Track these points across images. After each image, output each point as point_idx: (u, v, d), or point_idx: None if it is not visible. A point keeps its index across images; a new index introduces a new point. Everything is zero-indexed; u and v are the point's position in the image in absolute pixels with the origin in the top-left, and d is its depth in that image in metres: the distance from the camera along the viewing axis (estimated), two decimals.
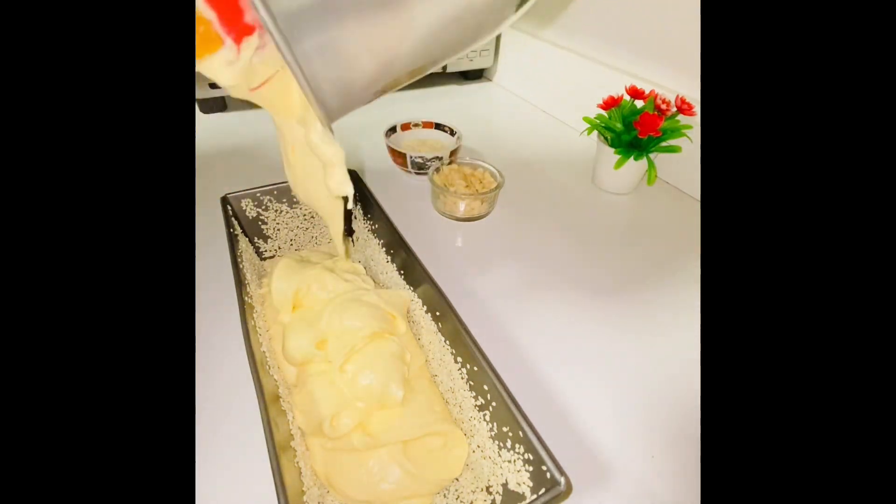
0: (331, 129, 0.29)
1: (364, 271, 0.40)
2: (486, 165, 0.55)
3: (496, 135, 0.73)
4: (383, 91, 0.27)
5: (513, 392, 0.27)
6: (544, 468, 0.24)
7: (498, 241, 0.50)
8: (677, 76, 0.58)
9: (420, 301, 0.36)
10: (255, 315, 0.34)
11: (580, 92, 0.70)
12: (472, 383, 0.30)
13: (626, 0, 0.62)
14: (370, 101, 0.27)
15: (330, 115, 0.26)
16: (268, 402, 0.26)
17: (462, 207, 0.51)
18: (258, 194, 0.43)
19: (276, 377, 0.32)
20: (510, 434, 0.26)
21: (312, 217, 0.46)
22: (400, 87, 0.28)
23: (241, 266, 0.36)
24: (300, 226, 0.46)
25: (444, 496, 0.28)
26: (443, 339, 0.33)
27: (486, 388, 0.28)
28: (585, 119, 0.58)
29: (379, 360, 0.31)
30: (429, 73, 0.28)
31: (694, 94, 0.53)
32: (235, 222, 0.41)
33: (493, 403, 0.28)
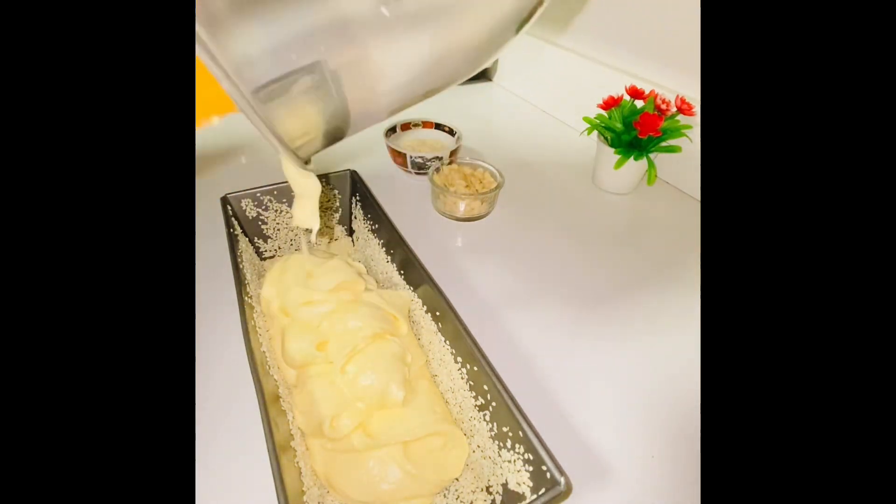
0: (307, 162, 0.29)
1: (365, 271, 0.40)
2: (486, 165, 0.55)
3: (496, 135, 0.73)
4: (367, 125, 0.27)
5: (513, 392, 0.27)
6: (544, 468, 0.24)
7: (498, 241, 0.50)
8: (677, 76, 0.58)
9: (420, 301, 0.36)
10: (255, 315, 0.34)
11: (580, 92, 0.70)
12: (472, 383, 0.30)
13: (626, 0, 0.62)
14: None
15: (298, 157, 0.26)
16: (268, 403, 0.26)
17: (462, 207, 0.51)
18: (258, 194, 0.43)
19: (276, 377, 0.32)
20: (510, 434, 0.26)
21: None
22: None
23: (241, 266, 0.36)
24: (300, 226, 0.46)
25: (444, 496, 0.28)
26: (443, 339, 0.33)
27: (486, 388, 0.28)
28: (585, 119, 0.57)
29: (380, 360, 0.31)
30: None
31: (694, 94, 0.53)
32: (235, 222, 0.41)
33: (493, 403, 0.28)
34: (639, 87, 0.56)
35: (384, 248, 0.41)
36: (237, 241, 0.39)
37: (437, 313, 0.34)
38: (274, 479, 0.23)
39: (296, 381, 0.33)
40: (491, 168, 0.54)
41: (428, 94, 0.28)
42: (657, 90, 0.54)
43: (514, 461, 0.26)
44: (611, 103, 0.56)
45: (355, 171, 0.46)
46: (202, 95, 0.23)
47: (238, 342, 0.31)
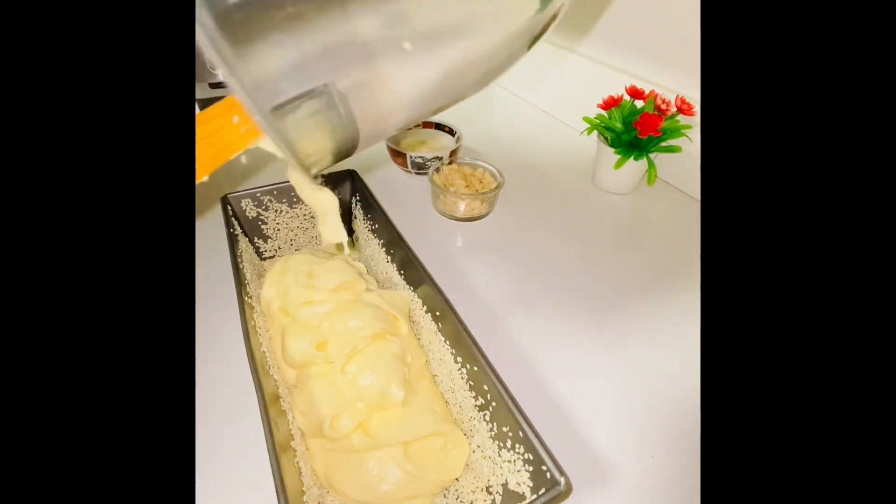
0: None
1: (366, 271, 0.40)
2: (486, 165, 0.55)
3: (496, 135, 0.73)
4: (381, 138, 0.27)
5: (513, 392, 0.27)
6: (544, 468, 0.24)
7: (498, 241, 0.50)
8: (677, 76, 0.57)
9: (420, 301, 0.36)
10: (255, 315, 0.34)
11: (580, 92, 0.70)
12: (472, 383, 0.30)
13: (626, 0, 0.62)
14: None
15: (311, 171, 0.26)
16: (268, 403, 0.26)
17: (462, 207, 0.51)
18: (258, 194, 0.43)
19: (276, 377, 0.32)
20: (510, 434, 0.26)
21: (312, 217, 0.46)
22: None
23: (241, 266, 0.36)
24: (300, 226, 0.46)
25: (444, 496, 0.28)
26: (443, 339, 0.33)
27: (486, 388, 0.28)
28: (585, 119, 0.57)
29: (380, 360, 0.31)
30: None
31: (694, 94, 0.53)
32: (235, 222, 0.41)
33: (493, 403, 0.28)
34: (639, 87, 0.56)
35: (384, 249, 0.41)
36: (237, 241, 0.39)
37: (437, 313, 0.34)
38: (274, 479, 0.23)
39: (296, 381, 0.33)
40: (491, 168, 0.54)
41: (438, 111, 0.28)
42: (657, 90, 0.54)
43: (514, 461, 0.26)
44: (611, 103, 0.56)
45: (355, 172, 0.46)
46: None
47: (238, 342, 0.31)
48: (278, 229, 0.45)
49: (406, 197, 0.56)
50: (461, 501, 0.28)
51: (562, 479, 0.23)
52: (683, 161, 0.56)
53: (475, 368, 0.29)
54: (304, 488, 0.25)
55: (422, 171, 0.57)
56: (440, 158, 0.56)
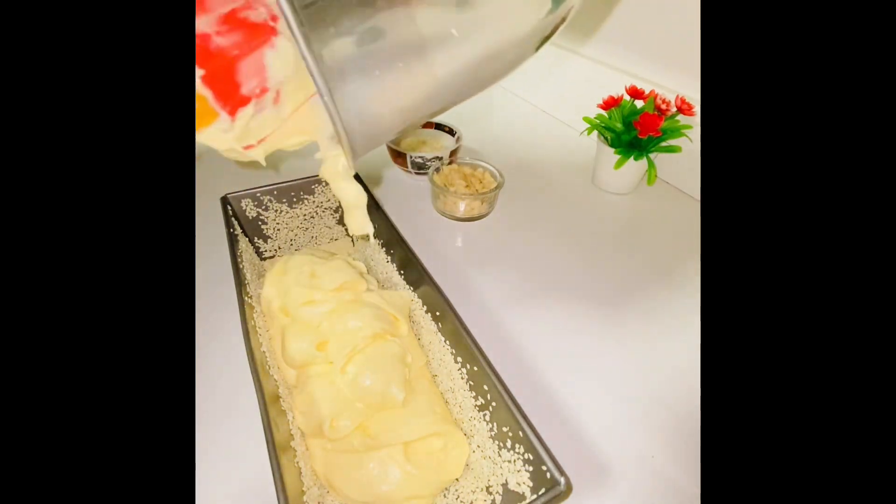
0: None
1: (366, 270, 0.40)
2: (486, 165, 0.55)
3: (496, 135, 0.73)
4: (403, 134, 0.28)
5: (513, 392, 0.27)
6: (544, 468, 0.24)
7: (498, 241, 0.50)
8: (677, 76, 0.57)
9: (420, 301, 0.36)
10: (255, 315, 0.34)
11: (580, 92, 0.70)
12: (472, 383, 0.30)
13: (627, 1, 0.62)
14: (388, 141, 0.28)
15: (356, 155, 0.27)
16: (268, 403, 0.26)
17: (462, 207, 0.51)
18: (258, 194, 0.43)
19: (276, 377, 0.32)
20: (510, 434, 0.26)
21: (312, 217, 0.46)
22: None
23: (241, 266, 0.36)
24: (300, 226, 0.46)
25: (444, 496, 0.28)
26: (443, 339, 0.33)
27: (486, 388, 0.28)
28: (585, 119, 0.57)
29: (380, 361, 0.31)
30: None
31: (694, 94, 0.53)
32: (235, 222, 0.41)
33: (493, 403, 0.28)
34: (639, 87, 0.56)
35: (384, 248, 0.41)
36: (237, 241, 0.39)
37: (437, 313, 0.34)
38: (274, 479, 0.23)
39: (296, 381, 0.33)
40: (491, 168, 0.54)
41: (437, 113, 0.28)
42: (657, 90, 0.54)
43: (514, 461, 0.26)
44: (611, 103, 0.56)
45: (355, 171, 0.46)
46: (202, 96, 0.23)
47: (238, 342, 0.31)
48: (278, 229, 0.45)
49: (406, 197, 0.56)
50: (461, 501, 0.28)
51: (562, 479, 0.23)
52: (683, 161, 0.56)
53: (475, 368, 0.29)
54: (304, 488, 0.25)
55: (422, 172, 0.57)
56: (440, 158, 0.56)
